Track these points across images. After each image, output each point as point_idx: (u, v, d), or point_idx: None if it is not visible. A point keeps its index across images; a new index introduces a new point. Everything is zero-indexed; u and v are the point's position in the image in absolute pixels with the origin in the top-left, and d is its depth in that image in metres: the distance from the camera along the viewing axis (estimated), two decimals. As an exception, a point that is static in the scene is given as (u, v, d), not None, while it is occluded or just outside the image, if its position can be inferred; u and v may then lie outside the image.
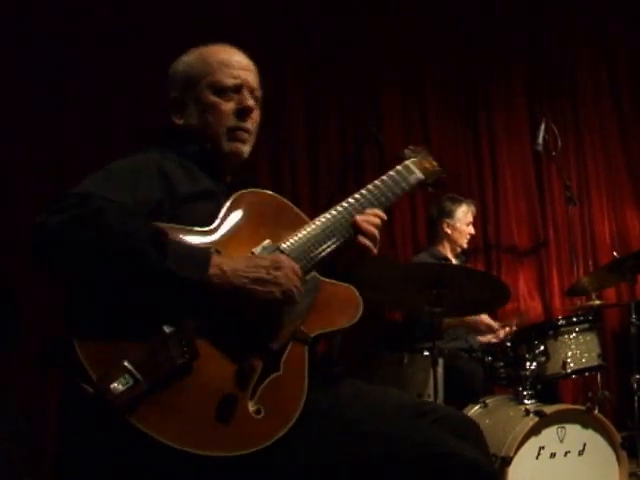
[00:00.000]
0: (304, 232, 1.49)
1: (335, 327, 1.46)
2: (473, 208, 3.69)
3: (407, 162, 1.72)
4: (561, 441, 2.62)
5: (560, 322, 2.99)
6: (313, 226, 1.51)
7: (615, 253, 3.62)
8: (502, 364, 3.01)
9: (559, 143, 3.77)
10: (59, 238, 1.23)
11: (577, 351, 2.92)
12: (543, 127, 3.68)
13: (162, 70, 1.71)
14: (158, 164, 1.48)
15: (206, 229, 1.41)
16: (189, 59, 1.64)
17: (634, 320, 3.26)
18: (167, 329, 1.24)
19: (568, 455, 2.62)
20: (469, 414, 2.84)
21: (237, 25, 3.87)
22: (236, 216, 1.46)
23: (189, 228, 1.39)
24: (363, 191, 1.61)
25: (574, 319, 3.02)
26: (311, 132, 4.12)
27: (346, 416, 1.39)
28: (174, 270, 1.24)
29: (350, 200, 1.58)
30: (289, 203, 1.56)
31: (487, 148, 4.45)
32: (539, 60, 4.62)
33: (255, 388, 1.29)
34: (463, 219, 3.61)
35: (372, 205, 1.59)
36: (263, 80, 1.68)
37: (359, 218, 1.55)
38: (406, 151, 1.77)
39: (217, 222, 1.43)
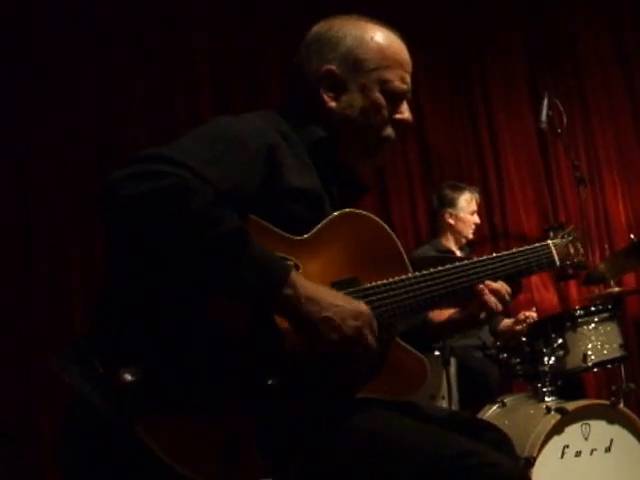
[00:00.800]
0: (399, 282, 1.33)
1: (388, 397, 1.33)
2: (477, 195, 3.57)
3: (549, 242, 1.58)
4: (586, 439, 2.55)
5: (578, 313, 2.90)
6: (411, 279, 1.35)
7: (632, 235, 3.48)
8: (518, 360, 2.91)
9: (564, 119, 3.53)
10: (128, 211, 1.10)
11: (598, 342, 2.83)
12: (546, 102, 3.48)
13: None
14: (271, 144, 1.29)
15: (294, 238, 1.27)
16: (361, 36, 1.43)
17: (657, 306, 3.13)
18: (200, 341, 1.14)
19: (594, 453, 2.54)
20: (487, 415, 2.76)
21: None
22: (333, 235, 1.31)
23: (277, 231, 1.25)
24: (484, 257, 1.46)
25: (592, 309, 2.93)
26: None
27: (366, 428, 1.28)
28: (245, 278, 1.12)
29: (462, 263, 1.43)
30: (397, 242, 1.40)
31: (486, 129, 4.27)
32: (538, 32, 4.40)
33: (273, 432, 1.17)
34: (466, 208, 3.50)
35: (486, 274, 1.44)
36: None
37: (489, 286, 1.41)
38: (552, 231, 1.64)
39: (312, 233, 1.29)
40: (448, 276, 1.40)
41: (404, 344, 1.37)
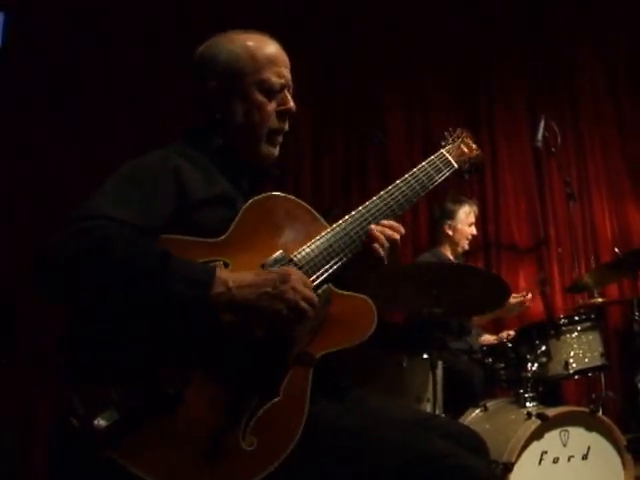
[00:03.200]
0: (319, 242, 1.42)
1: (344, 345, 1.38)
2: (475, 209, 3.67)
3: (442, 150, 1.66)
4: (564, 445, 2.55)
5: (562, 321, 2.94)
6: (329, 235, 1.43)
7: (617, 249, 3.55)
8: (503, 365, 2.95)
9: (559, 139, 3.74)
10: (61, 275, 1.20)
11: (580, 351, 2.87)
12: (542, 124, 3.65)
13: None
14: (175, 169, 1.40)
15: (217, 240, 1.34)
16: (233, 48, 1.54)
17: (637, 317, 3.21)
18: (158, 356, 1.19)
19: (572, 460, 2.55)
20: (469, 418, 2.79)
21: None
22: (249, 224, 1.38)
23: (198, 240, 1.33)
24: (390, 187, 1.54)
25: (576, 318, 2.96)
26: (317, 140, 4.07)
27: (353, 428, 1.33)
28: (178, 292, 1.20)
29: (370, 204, 1.50)
30: (306, 206, 1.48)
31: (487, 146, 4.44)
32: (538, 57, 4.61)
33: (250, 418, 1.22)
34: (465, 220, 3.59)
35: (398, 203, 1.52)
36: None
37: (375, 228, 1.47)
38: (443, 141, 1.71)
39: (229, 231, 1.36)
40: (362, 217, 1.47)
41: (343, 292, 1.42)
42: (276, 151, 1.57)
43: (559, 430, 2.56)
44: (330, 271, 1.40)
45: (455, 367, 2.98)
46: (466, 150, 1.70)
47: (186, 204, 1.37)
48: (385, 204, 1.51)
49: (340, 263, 1.41)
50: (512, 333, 3.25)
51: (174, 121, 3.64)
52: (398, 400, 2.63)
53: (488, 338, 3.45)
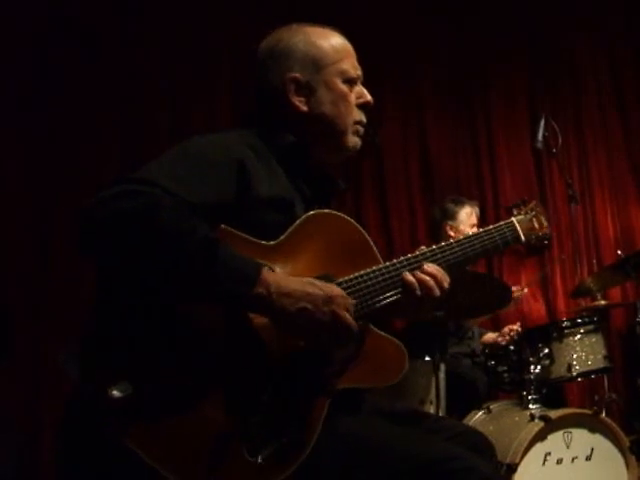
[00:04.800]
0: (367, 275, 1.36)
1: (367, 385, 1.35)
2: (477, 209, 3.60)
3: (514, 219, 1.63)
4: (568, 447, 2.57)
5: (564, 324, 2.94)
6: (379, 270, 1.38)
7: (619, 252, 3.55)
8: (506, 368, 2.96)
9: (559, 140, 3.66)
10: (105, 231, 1.15)
11: (582, 353, 2.87)
12: (543, 123, 3.56)
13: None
14: (241, 158, 1.33)
15: (267, 243, 1.30)
16: (310, 40, 1.51)
17: (640, 320, 3.20)
18: (186, 347, 1.18)
19: (575, 461, 2.56)
20: (472, 420, 2.81)
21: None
22: (303, 237, 1.33)
23: (249, 238, 1.28)
24: (452, 241, 1.51)
25: (579, 320, 2.97)
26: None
27: (358, 434, 1.32)
28: (219, 281, 1.16)
29: (429, 251, 1.47)
30: (366, 236, 1.43)
31: (485, 147, 4.40)
32: (539, 55, 4.54)
33: (259, 432, 1.19)
34: (466, 221, 3.52)
35: (456, 258, 1.48)
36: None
37: (407, 275, 1.40)
38: (515, 208, 1.69)
39: (283, 237, 1.32)
40: (417, 263, 1.43)
41: (380, 332, 1.39)
42: (359, 142, 1.54)
43: (562, 432, 2.58)
44: (371, 307, 1.35)
45: (458, 371, 2.97)
46: (536, 226, 1.66)
47: (245, 197, 1.32)
48: (443, 256, 1.48)
49: (383, 302, 1.37)
50: (514, 327, 3.23)
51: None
52: (402, 402, 2.64)
53: (491, 336, 3.44)
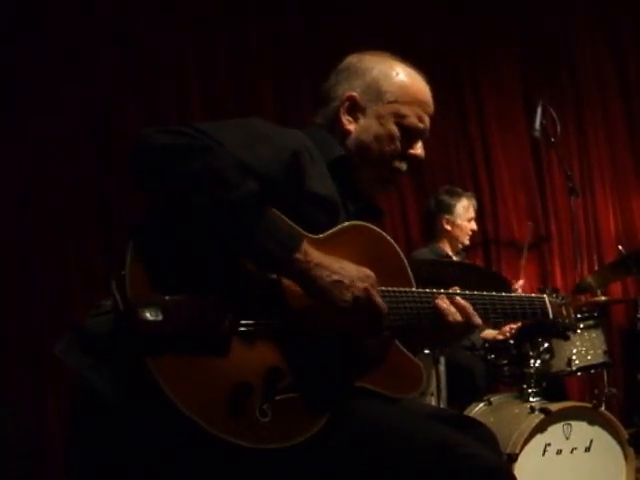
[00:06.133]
0: (401, 291, 1.40)
1: (380, 390, 1.38)
2: (474, 202, 3.57)
3: (546, 298, 1.69)
4: (567, 438, 2.60)
5: (565, 319, 2.97)
6: (413, 292, 1.43)
7: (620, 247, 3.54)
8: (506, 362, 2.98)
9: (558, 128, 3.53)
10: (158, 161, 1.17)
11: (582, 348, 2.90)
12: (540, 110, 3.45)
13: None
14: (296, 150, 1.35)
15: (309, 235, 1.32)
16: (386, 71, 1.52)
17: (640, 315, 3.22)
18: (226, 295, 1.19)
19: (574, 452, 2.60)
20: (473, 412, 2.84)
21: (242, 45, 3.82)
22: (343, 241, 1.37)
23: (294, 226, 1.30)
24: (485, 293, 1.54)
25: (579, 316, 2.97)
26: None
27: (367, 416, 1.33)
28: (261, 238, 1.18)
29: (470, 292, 1.50)
30: (404, 260, 1.48)
31: (478, 136, 4.23)
32: (533, 33, 4.33)
33: (274, 394, 1.22)
34: (464, 215, 3.48)
35: (484, 308, 1.51)
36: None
37: (441, 299, 1.44)
38: (547, 289, 1.76)
39: (324, 235, 1.35)
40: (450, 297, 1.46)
41: (403, 349, 1.43)
42: (386, 189, 1.57)
43: (562, 424, 2.61)
44: (398, 323, 1.38)
45: (457, 362, 2.97)
46: (565, 313, 1.74)
47: (295, 189, 1.34)
48: (473, 302, 1.49)
49: (408, 322, 1.40)
50: (514, 326, 3.25)
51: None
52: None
53: (491, 332, 3.46)
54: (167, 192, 1.19)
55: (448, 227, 3.49)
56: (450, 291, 1.49)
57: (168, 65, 3.67)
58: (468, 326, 1.46)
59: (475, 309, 1.47)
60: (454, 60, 4.25)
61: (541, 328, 2.94)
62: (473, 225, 3.56)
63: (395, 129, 1.49)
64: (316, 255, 1.24)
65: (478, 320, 1.46)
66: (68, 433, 1.32)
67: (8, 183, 3.31)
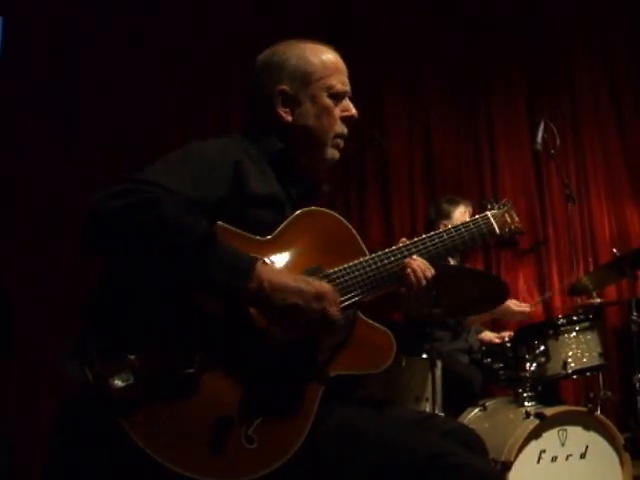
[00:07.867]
0: (356, 266, 1.45)
1: (359, 371, 1.41)
2: (470, 209, 3.64)
3: (488, 213, 1.71)
4: (562, 444, 2.57)
5: (560, 321, 2.94)
6: (366, 262, 1.47)
7: (615, 250, 3.56)
8: (501, 365, 2.96)
9: (558, 141, 3.77)
10: (108, 226, 1.21)
11: (578, 351, 2.88)
12: (542, 126, 3.69)
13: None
14: (237, 159, 1.43)
15: (261, 239, 1.38)
16: (303, 55, 1.60)
17: (635, 317, 3.23)
18: (182, 335, 1.22)
19: (570, 459, 2.56)
20: (468, 417, 2.81)
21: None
22: (295, 232, 1.42)
23: (244, 234, 1.36)
24: (432, 233, 1.60)
25: (574, 318, 2.98)
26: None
27: (352, 429, 1.34)
28: (216, 275, 1.22)
29: (411, 244, 1.56)
30: (352, 230, 1.53)
31: (486, 147, 4.50)
32: (538, 61, 4.65)
33: (255, 417, 1.23)
34: (461, 219, 3.50)
35: (436, 251, 1.57)
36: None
37: (411, 261, 1.51)
38: (489, 204, 1.77)
39: (275, 233, 1.40)
40: (400, 254, 1.53)
41: (368, 320, 1.46)
42: (338, 154, 1.62)
43: (557, 429, 2.57)
44: (360, 297, 1.43)
45: (454, 368, 2.98)
46: (509, 220, 1.74)
47: (241, 195, 1.40)
48: (424, 247, 1.57)
49: (371, 292, 1.45)
50: (512, 334, 3.25)
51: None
52: (397, 400, 2.64)
53: (488, 335, 3.45)
54: (123, 251, 1.22)
55: None
56: (400, 245, 1.55)
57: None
58: (427, 281, 1.53)
59: (429, 253, 1.56)
60: (470, 85, 4.60)
61: (537, 328, 2.93)
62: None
63: (328, 101, 1.58)
64: (270, 279, 1.26)
65: (430, 274, 1.53)
66: (59, 441, 1.31)
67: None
